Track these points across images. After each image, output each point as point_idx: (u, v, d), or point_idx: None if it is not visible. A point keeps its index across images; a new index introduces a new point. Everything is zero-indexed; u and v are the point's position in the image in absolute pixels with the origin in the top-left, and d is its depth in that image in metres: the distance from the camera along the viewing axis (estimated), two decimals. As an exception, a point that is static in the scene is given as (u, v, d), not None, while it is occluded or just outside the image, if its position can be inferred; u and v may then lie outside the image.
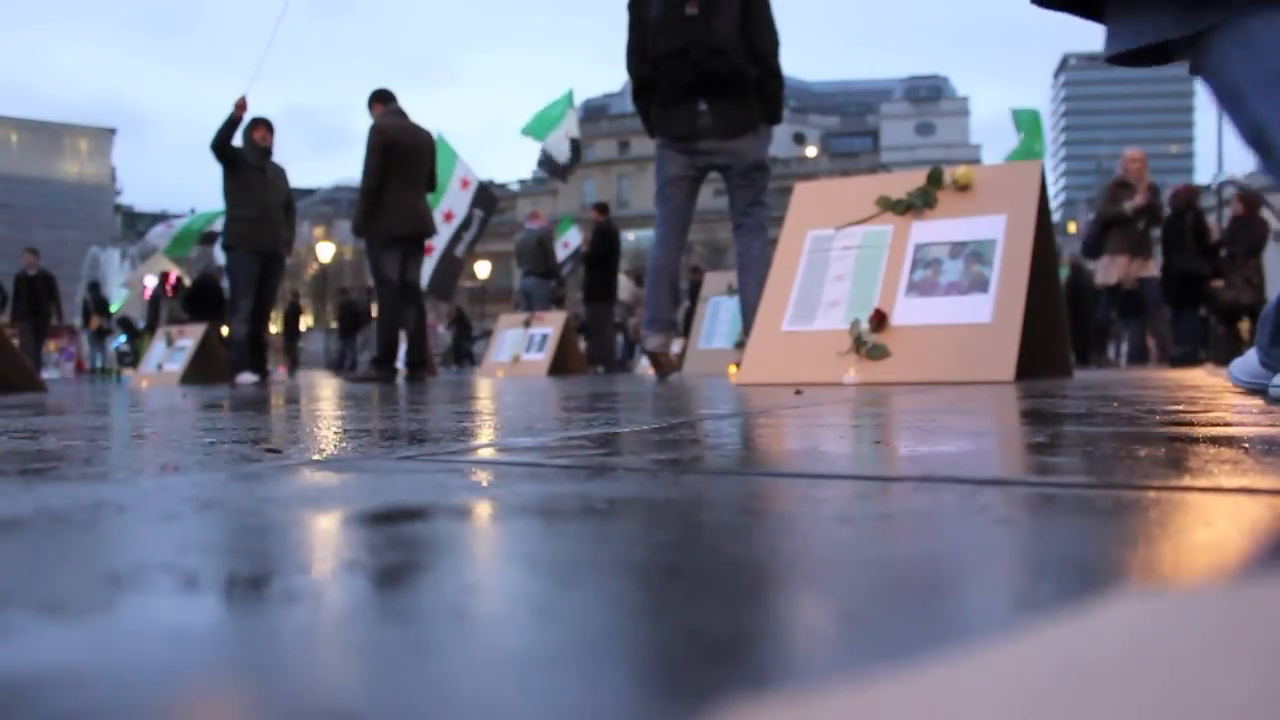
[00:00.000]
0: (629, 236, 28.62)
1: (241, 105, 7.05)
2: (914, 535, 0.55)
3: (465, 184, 11.53)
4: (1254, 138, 1.80)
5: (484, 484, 0.81)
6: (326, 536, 0.59)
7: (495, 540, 0.57)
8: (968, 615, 0.39)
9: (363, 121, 6.88)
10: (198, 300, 13.21)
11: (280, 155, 7.56)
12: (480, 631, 0.36)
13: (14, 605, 0.41)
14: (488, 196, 11.92)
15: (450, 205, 11.23)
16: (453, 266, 11.57)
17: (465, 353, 20.32)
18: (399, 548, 0.53)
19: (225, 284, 9.22)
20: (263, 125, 7.33)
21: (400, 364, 7.11)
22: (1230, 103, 1.82)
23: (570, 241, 15.69)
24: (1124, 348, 15.77)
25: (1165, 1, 1.78)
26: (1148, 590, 0.39)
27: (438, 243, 11.03)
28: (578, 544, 0.54)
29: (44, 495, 0.77)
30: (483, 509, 0.67)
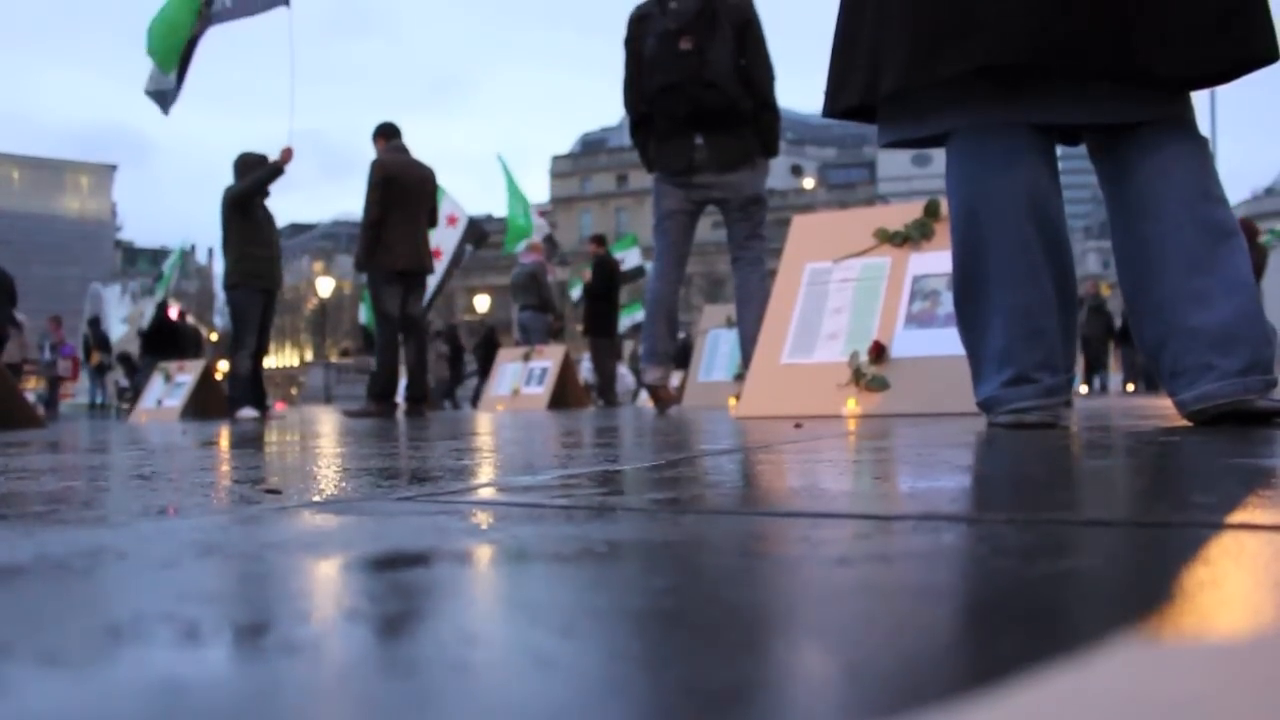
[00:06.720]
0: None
1: (287, 157, 7.09)
2: (914, 577, 0.55)
3: (453, 221, 11.64)
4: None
5: (484, 526, 0.81)
6: (326, 583, 0.59)
7: (495, 587, 0.57)
8: (970, 663, 0.39)
9: (370, 147, 6.96)
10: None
11: (287, 182, 7.59)
12: (481, 683, 0.36)
13: (14, 657, 0.41)
14: (478, 231, 12.21)
15: (437, 242, 11.36)
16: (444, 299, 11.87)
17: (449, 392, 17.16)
18: (399, 595, 0.53)
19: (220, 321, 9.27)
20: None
21: (400, 398, 7.12)
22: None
23: (627, 259, 15.83)
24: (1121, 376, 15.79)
25: (913, 112, 2.25)
26: (1151, 634, 0.39)
27: (433, 280, 11.20)
28: (577, 590, 0.54)
29: (44, 541, 0.77)
30: (483, 553, 0.67)
